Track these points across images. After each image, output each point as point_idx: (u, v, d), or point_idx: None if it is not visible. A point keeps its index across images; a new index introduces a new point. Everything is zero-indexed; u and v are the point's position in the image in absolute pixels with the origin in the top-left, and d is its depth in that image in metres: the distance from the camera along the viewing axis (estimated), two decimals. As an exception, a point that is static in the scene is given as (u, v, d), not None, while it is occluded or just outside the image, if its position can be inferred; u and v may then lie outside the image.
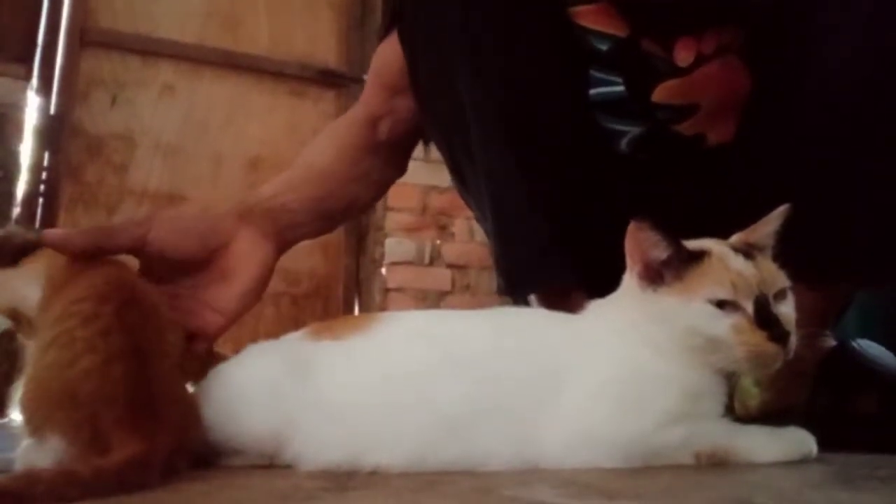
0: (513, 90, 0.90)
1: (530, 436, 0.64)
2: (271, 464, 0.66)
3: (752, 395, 0.86)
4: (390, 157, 1.06)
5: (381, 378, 0.66)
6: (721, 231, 0.72)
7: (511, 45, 0.91)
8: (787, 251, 0.70)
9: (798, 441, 0.68)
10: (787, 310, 0.67)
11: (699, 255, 0.67)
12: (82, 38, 2.53)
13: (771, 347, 0.64)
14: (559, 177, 0.93)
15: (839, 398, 0.85)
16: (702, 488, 0.54)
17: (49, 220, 2.34)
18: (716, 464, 0.65)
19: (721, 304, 0.65)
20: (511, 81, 0.91)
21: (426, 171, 3.04)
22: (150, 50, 2.65)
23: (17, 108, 2.22)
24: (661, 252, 0.67)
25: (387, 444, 0.62)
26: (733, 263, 0.66)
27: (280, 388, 0.66)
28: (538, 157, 0.92)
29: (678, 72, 0.91)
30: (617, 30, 0.92)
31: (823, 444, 0.69)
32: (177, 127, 2.66)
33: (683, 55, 0.90)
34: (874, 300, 1.26)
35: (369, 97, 1.06)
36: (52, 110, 2.44)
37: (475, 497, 0.47)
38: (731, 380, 0.70)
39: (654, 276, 0.67)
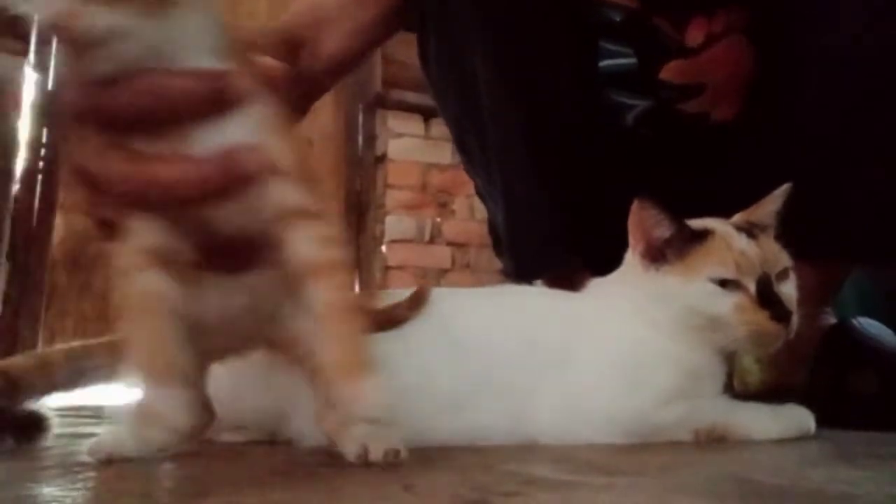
0: (525, 61, 0.90)
1: (529, 412, 0.64)
2: (272, 440, 0.66)
3: (752, 372, 0.86)
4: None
5: (380, 354, 0.66)
6: (723, 211, 0.72)
7: (524, 15, 0.90)
8: (788, 228, 0.70)
9: (797, 419, 0.69)
10: (788, 289, 0.67)
11: (702, 235, 0.67)
12: (79, 12, 2.50)
13: (772, 327, 0.64)
14: (568, 156, 0.93)
15: (838, 376, 0.85)
16: (700, 465, 0.54)
17: (48, 197, 2.33)
18: (715, 441, 0.65)
19: (723, 283, 0.65)
20: (523, 52, 0.90)
21: (426, 148, 3.03)
22: (148, 25, 2.62)
23: (14, 83, 2.20)
24: (664, 231, 0.67)
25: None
26: (736, 243, 0.66)
27: (280, 364, 0.66)
28: (548, 131, 0.92)
29: (686, 52, 0.91)
30: (630, 1, 0.92)
31: (822, 422, 0.69)
32: (175, 103, 2.64)
33: (694, 35, 0.90)
34: (873, 277, 1.26)
35: None
36: (50, 86, 2.43)
37: (474, 472, 0.48)
38: (730, 358, 0.70)
39: (657, 254, 0.67)
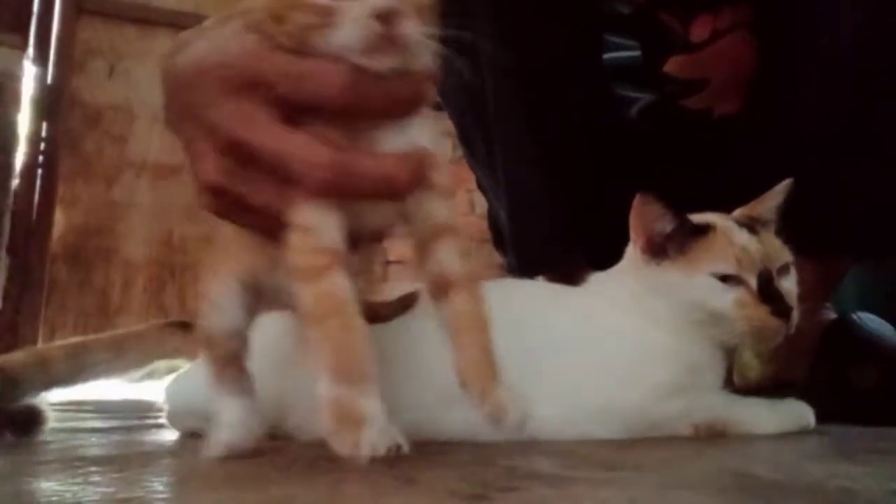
0: (530, 54, 0.90)
1: (529, 406, 0.64)
2: (272, 435, 0.66)
3: (752, 367, 0.86)
4: None
5: (379, 349, 0.66)
6: (724, 206, 0.72)
7: (529, 7, 0.90)
8: (789, 223, 0.70)
9: (797, 413, 0.69)
10: (789, 285, 0.67)
11: (703, 229, 0.67)
12: (79, 6, 2.50)
13: (773, 322, 0.64)
14: (571, 150, 0.93)
15: (838, 371, 0.86)
16: (700, 460, 0.55)
17: (48, 192, 2.33)
18: (714, 436, 0.65)
19: (724, 279, 0.65)
20: (528, 44, 0.90)
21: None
22: (147, 19, 2.62)
23: (13, 77, 2.19)
24: (665, 225, 0.66)
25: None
26: (737, 238, 0.66)
27: (283, 359, 0.66)
28: (552, 124, 0.92)
29: (690, 47, 0.91)
30: None
31: (822, 417, 0.69)
32: (175, 98, 2.63)
33: (699, 31, 0.90)
34: (873, 272, 1.25)
35: None
36: (49, 80, 2.42)
37: (474, 468, 0.48)
38: (730, 352, 0.70)
39: (658, 249, 0.67)
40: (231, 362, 0.55)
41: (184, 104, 0.48)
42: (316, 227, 0.44)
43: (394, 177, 0.44)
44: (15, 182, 2.26)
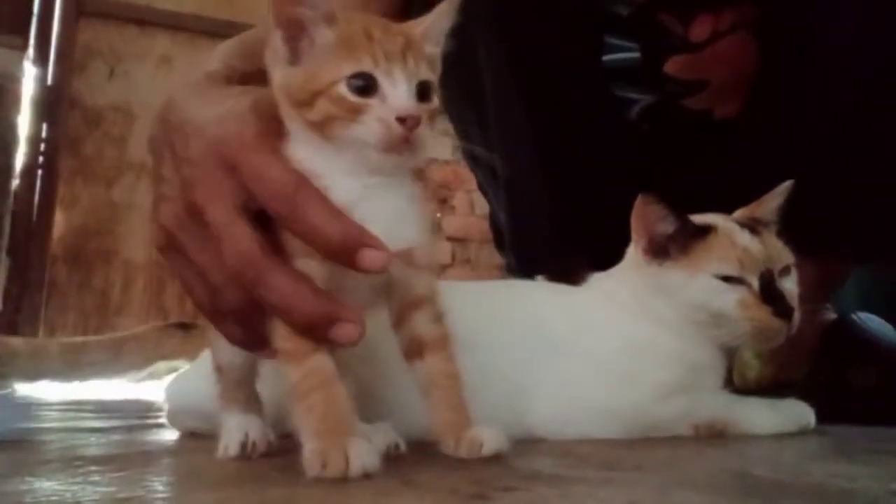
0: (530, 55, 0.90)
1: (528, 405, 0.64)
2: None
3: (752, 367, 0.86)
4: None
5: (380, 347, 0.66)
6: (724, 206, 0.72)
7: (529, 8, 0.90)
8: (790, 225, 0.70)
9: (796, 413, 0.69)
10: (791, 286, 0.67)
11: (705, 230, 0.67)
12: (79, 8, 2.50)
13: (775, 323, 0.64)
14: (573, 150, 0.93)
15: (838, 371, 0.86)
16: (700, 459, 0.55)
17: (48, 193, 2.33)
18: (714, 436, 0.65)
19: (726, 279, 0.65)
20: (528, 45, 0.90)
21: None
22: (147, 20, 2.62)
23: (13, 78, 2.19)
24: (667, 226, 0.67)
25: (385, 413, 0.62)
26: (739, 239, 0.66)
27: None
28: (552, 125, 0.92)
29: (691, 47, 0.91)
30: None
31: (822, 417, 0.70)
32: (175, 99, 2.64)
33: (698, 32, 0.90)
34: (873, 273, 1.25)
35: None
36: (49, 81, 2.42)
37: (473, 467, 0.48)
38: (731, 353, 0.70)
39: (660, 250, 0.67)
40: (239, 387, 0.56)
41: (171, 147, 0.51)
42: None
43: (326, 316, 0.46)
44: (15, 183, 2.26)
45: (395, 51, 0.46)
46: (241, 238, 0.46)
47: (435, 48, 0.51)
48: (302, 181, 0.46)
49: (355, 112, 0.45)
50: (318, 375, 0.46)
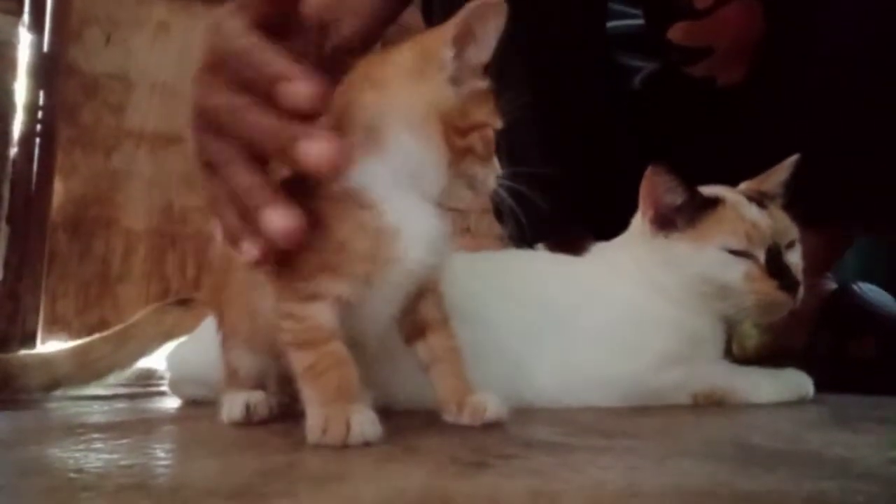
0: (533, 22, 0.88)
1: (528, 375, 0.64)
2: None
3: (751, 336, 0.86)
4: None
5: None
6: (726, 174, 0.71)
7: None
8: (795, 195, 0.69)
9: (795, 383, 0.69)
10: (796, 259, 0.67)
11: (713, 203, 0.66)
12: (74, -28, 2.46)
13: (781, 296, 0.64)
14: (574, 119, 0.92)
15: (838, 341, 0.86)
16: (699, 428, 0.55)
17: (47, 162, 2.32)
18: (713, 405, 0.66)
19: (733, 252, 0.65)
20: (531, 12, 0.88)
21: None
22: (143, -14, 2.58)
23: (9, 45, 2.17)
24: (675, 197, 0.66)
25: (388, 384, 0.62)
26: (747, 212, 0.66)
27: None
28: (555, 93, 0.91)
29: (695, 14, 0.89)
30: None
31: (820, 386, 0.70)
32: (173, 66, 2.61)
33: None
34: (874, 243, 1.25)
35: None
36: (46, 48, 2.39)
37: (474, 435, 0.48)
38: (731, 323, 0.70)
39: (666, 221, 0.67)
40: (245, 382, 0.57)
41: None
42: (310, 316, 0.47)
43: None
44: (13, 151, 2.25)
45: None
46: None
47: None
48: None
49: (492, 156, 0.49)
50: (334, 357, 0.47)
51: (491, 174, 0.51)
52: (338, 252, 0.47)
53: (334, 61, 0.82)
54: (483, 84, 0.49)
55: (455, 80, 0.48)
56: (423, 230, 0.49)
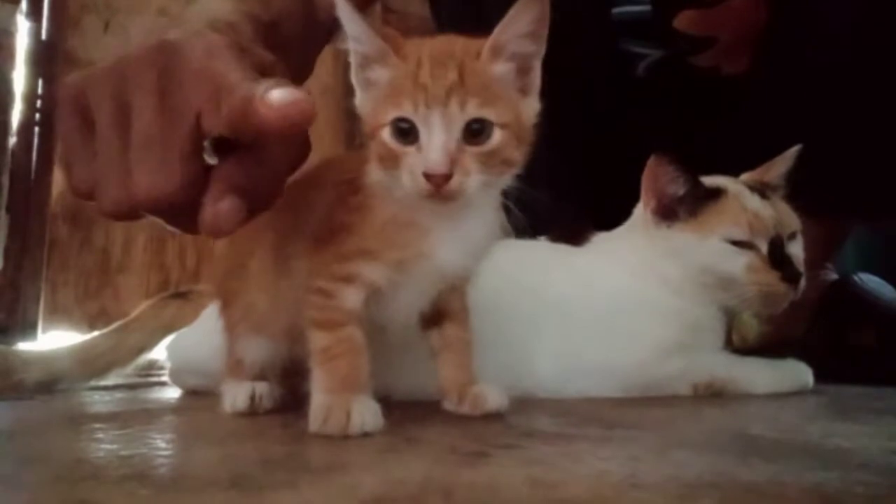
0: None
1: (528, 364, 0.64)
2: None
3: (751, 326, 0.86)
4: None
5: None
6: (728, 164, 0.71)
7: None
8: (796, 184, 0.69)
9: (795, 373, 0.69)
10: (797, 251, 0.67)
11: (715, 193, 0.66)
12: (71, -40, 2.44)
13: (782, 287, 0.64)
14: (578, 107, 0.91)
15: (837, 331, 0.86)
16: (699, 419, 0.55)
17: (46, 151, 2.31)
18: (713, 395, 0.66)
19: (736, 243, 0.65)
20: None
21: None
22: (142, -27, 2.57)
23: (7, 33, 2.15)
24: (678, 188, 0.66)
25: (387, 373, 0.62)
26: (750, 203, 0.66)
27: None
28: (559, 79, 0.90)
29: (703, 2, 0.89)
30: None
31: (820, 377, 0.70)
32: (172, 54, 2.60)
33: None
34: (874, 233, 1.25)
35: None
36: (44, 36, 2.38)
37: (474, 425, 0.48)
38: (731, 313, 0.70)
39: (668, 212, 0.67)
40: (248, 372, 0.57)
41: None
42: (340, 296, 0.48)
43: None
44: (12, 141, 2.24)
45: (440, 93, 0.44)
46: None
47: (509, 61, 0.49)
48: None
49: (395, 158, 0.45)
50: (349, 344, 0.48)
51: (415, 180, 0.47)
52: (376, 237, 0.48)
53: (319, 32, 0.78)
54: (383, 92, 0.48)
55: (364, 87, 0.49)
56: (455, 231, 0.49)
